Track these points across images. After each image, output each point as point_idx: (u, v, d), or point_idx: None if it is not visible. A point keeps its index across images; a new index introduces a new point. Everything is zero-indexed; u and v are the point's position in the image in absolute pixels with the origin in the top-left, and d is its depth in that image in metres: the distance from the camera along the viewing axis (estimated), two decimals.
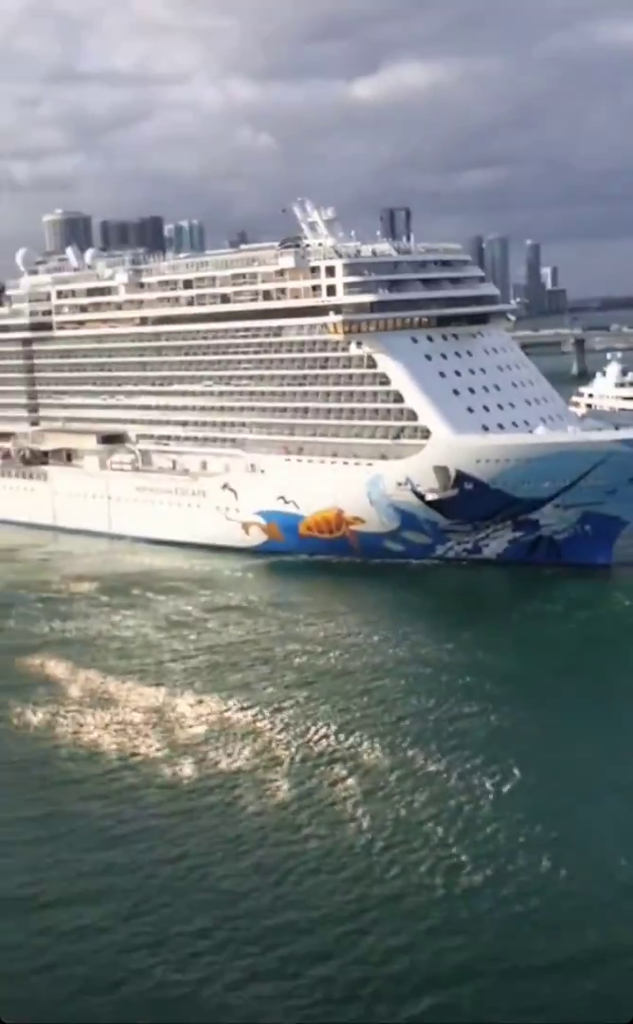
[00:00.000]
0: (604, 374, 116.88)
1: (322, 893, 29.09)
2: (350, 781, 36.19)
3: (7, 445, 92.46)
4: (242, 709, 43.72)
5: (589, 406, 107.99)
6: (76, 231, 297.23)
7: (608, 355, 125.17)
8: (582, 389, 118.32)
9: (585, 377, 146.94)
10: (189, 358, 79.70)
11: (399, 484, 65.03)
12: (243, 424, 75.20)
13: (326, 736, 40.34)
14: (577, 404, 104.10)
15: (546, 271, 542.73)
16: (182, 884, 30.05)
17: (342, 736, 40.18)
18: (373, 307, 69.00)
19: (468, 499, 63.22)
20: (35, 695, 47.08)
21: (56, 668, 50.97)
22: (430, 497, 64.02)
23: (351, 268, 70.63)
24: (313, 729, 41.07)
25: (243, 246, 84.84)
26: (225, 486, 74.80)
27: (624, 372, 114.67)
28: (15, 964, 26.21)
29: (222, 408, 76.89)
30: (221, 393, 77.03)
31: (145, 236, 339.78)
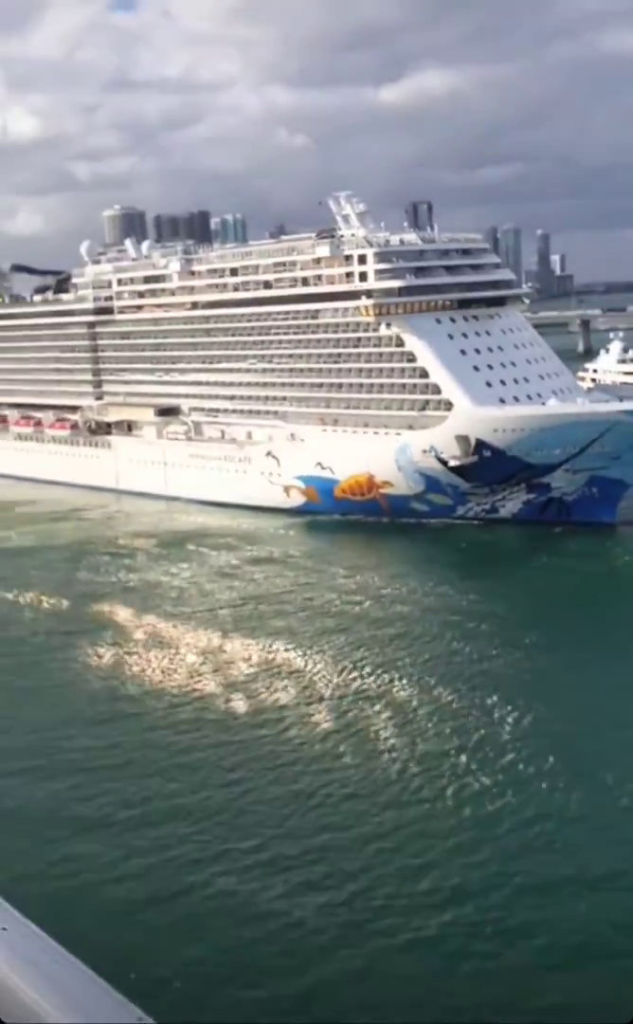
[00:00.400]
0: (607, 352, 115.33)
1: (359, 815, 29.11)
2: (383, 715, 36.17)
3: (75, 417, 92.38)
4: (286, 651, 43.76)
5: (594, 380, 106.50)
6: (132, 225, 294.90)
7: (611, 334, 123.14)
8: (587, 365, 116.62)
9: (590, 354, 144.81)
10: (235, 339, 79.08)
11: (424, 451, 64.55)
12: (284, 398, 74.65)
13: (361, 675, 40.34)
14: (583, 379, 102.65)
15: (555, 258, 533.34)
16: (235, 807, 30.09)
17: (376, 675, 40.17)
18: (401, 291, 68.13)
19: (486, 465, 62.72)
20: (103, 637, 47.27)
21: (121, 613, 51.15)
22: (452, 463, 63.54)
23: (381, 256, 69.65)
24: (350, 669, 41.08)
25: (283, 237, 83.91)
26: (268, 453, 74.49)
27: (625, 350, 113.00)
28: (90, 876, 26.40)
29: (265, 384, 76.38)
30: (264, 370, 76.44)
31: (194, 229, 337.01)
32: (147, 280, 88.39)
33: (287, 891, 25.18)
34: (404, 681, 39.32)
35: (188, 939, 23.36)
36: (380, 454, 66.76)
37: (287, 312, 74.76)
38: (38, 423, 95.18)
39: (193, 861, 26.94)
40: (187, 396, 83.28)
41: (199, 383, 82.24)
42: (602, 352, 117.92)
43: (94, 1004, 1.32)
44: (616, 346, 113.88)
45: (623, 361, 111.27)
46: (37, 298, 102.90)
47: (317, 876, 25.85)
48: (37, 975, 1.42)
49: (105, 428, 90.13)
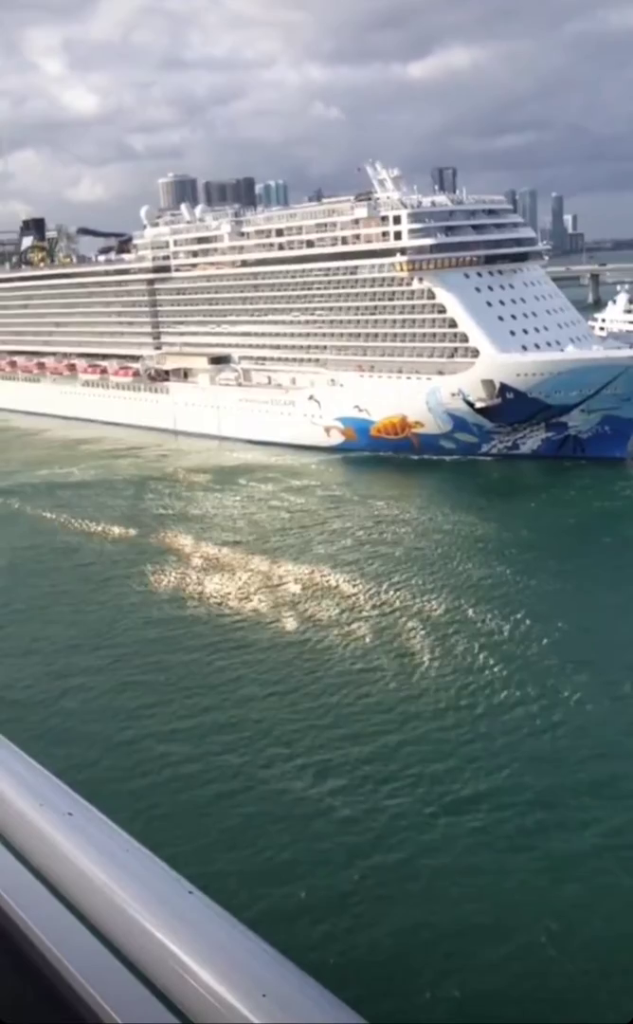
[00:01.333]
0: (615, 302, 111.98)
1: (395, 724, 28.61)
2: (418, 632, 35.72)
3: (136, 366, 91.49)
4: (329, 573, 43.30)
5: (602, 329, 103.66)
6: (184, 191, 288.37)
7: (618, 287, 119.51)
8: (596, 315, 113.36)
9: (599, 305, 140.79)
10: (280, 293, 77.42)
11: (453, 394, 63.26)
12: (324, 347, 73.28)
13: (396, 595, 39.89)
14: (592, 328, 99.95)
15: (568, 218, 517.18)
16: (283, 716, 29.55)
17: (410, 595, 39.72)
18: (432, 249, 66.17)
19: (509, 406, 61.44)
20: (164, 561, 46.77)
21: (180, 540, 50.71)
22: (478, 405, 62.29)
23: (414, 217, 67.61)
24: (385, 589, 40.60)
25: (324, 200, 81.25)
26: (311, 397, 73.43)
27: (631, 301, 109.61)
28: (156, 777, 26.12)
29: (307, 334, 74.93)
30: (307, 322, 74.89)
31: (240, 194, 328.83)
32: (200, 240, 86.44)
33: (334, 792, 24.84)
34: (434, 600, 38.87)
35: (244, 835, 23.01)
36: (412, 397, 65.52)
37: (328, 268, 72.93)
38: (103, 371, 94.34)
39: (249, 765, 26.63)
40: (237, 346, 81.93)
41: (248, 334, 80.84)
42: (610, 303, 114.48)
43: (156, 882, 1.32)
44: (623, 297, 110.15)
45: (629, 311, 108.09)
46: (101, 258, 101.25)
47: (360, 779, 25.49)
48: (104, 857, 1.37)
49: (163, 375, 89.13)
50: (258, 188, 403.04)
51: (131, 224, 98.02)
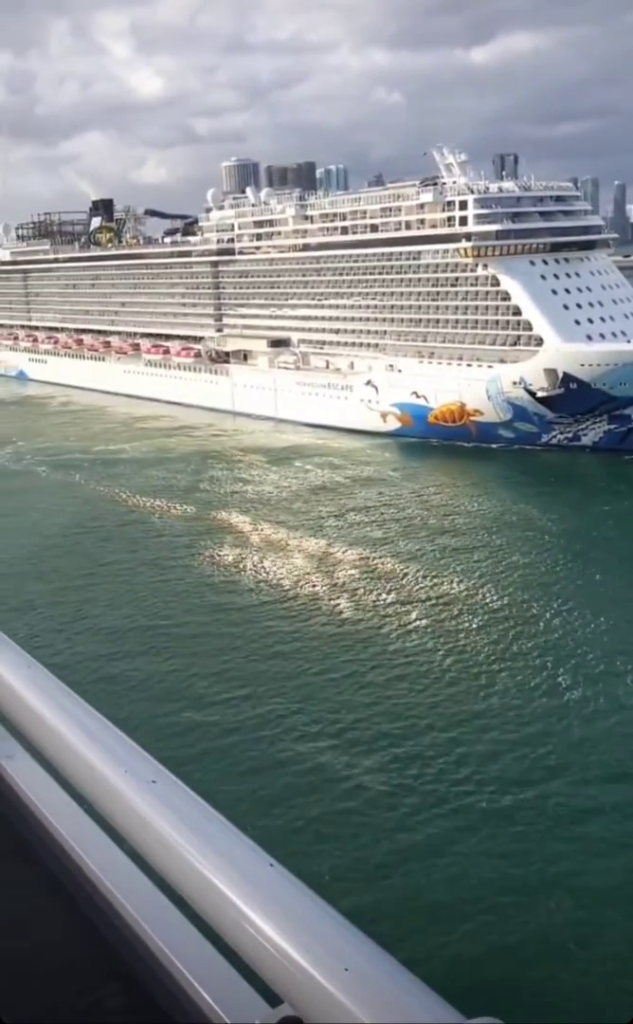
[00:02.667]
0: None
1: (448, 700, 28.60)
2: (471, 616, 35.46)
3: (198, 347, 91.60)
4: (384, 557, 43.06)
5: None
6: (246, 174, 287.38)
7: None
8: None
9: None
10: (342, 277, 76.73)
11: (514, 383, 62.12)
12: (384, 332, 72.50)
13: (451, 581, 39.51)
14: None
15: (631, 207, 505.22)
16: (331, 690, 29.53)
17: (463, 582, 39.32)
18: (498, 235, 64.88)
19: (572, 396, 60.09)
20: (221, 539, 46.96)
21: (236, 519, 50.76)
22: (540, 394, 61.06)
23: (481, 202, 66.28)
24: (438, 574, 40.27)
25: (389, 184, 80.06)
26: (368, 382, 72.78)
27: None
28: (206, 744, 26.23)
29: (368, 319, 74.19)
30: (367, 306, 74.21)
31: (301, 178, 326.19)
32: (265, 224, 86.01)
33: (377, 766, 24.77)
34: (489, 588, 38.42)
35: (289, 804, 23.10)
36: (472, 385, 64.52)
37: (391, 253, 72.03)
38: (166, 351, 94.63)
39: (295, 736, 26.66)
40: (297, 329, 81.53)
41: (308, 318, 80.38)
42: None
43: (237, 852, 1.32)
44: None
45: None
46: (167, 240, 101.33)
47: (404, 754, 25.40)
48: (187, 826, 1.38)
49: (223, 357, 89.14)
50: (319, 172, 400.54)
51: (193, 206, 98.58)
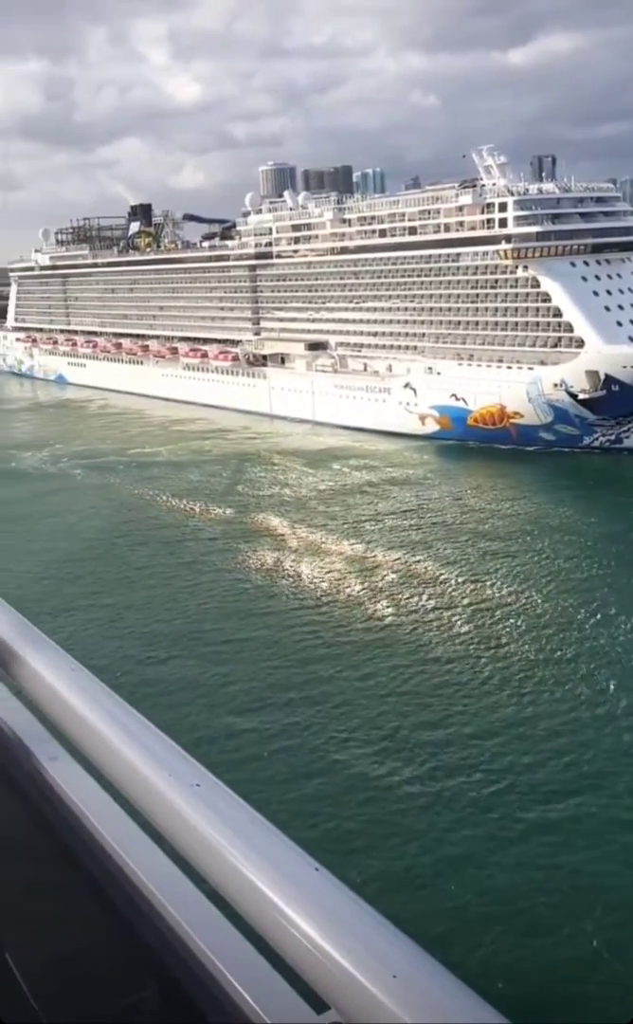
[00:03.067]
0: None
1: (489, 708, 28.20)
2: (512, 622, 34.95)
3: (236, 350, 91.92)
4: (423, 560, 42.68)
5: None
6: (283, 178, 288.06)
7: None
8: None
9: None
10: (380, 280, 76.63)
11: (555, 385, 61.46)
12: (423, 335, 72.22)
13: (492, 586, 39.06)
14: None
15: None
16: (370, 696, 29.22)
17: (505, 586, 38.83)
18: (538, 236, 64.42)
19: (614, 398, 59.32)
20: (259, 542, 46.74)
21: (275, 522, 50.61)
22: (581, 396, 60.36)
23: (521, 204, 65.83)
24: (481, 579, 39.80)
25: (427, 187, 79.80)
26: (407, 385, 72.44)
27: None
28: (251, 749, 26.03)
29: (406, 321, 73.98)
30: (406, 309, 73.98)
31: (338, 182, 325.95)
32: (302, 227, 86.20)
33: (418, 775, 24.43)
34: (529, 592, 37.90)
35: (328, 811, 22.82)
36: (513, 387, 63.96)
37: (429, 256, 71.79)
38: (204, 355, 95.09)
39: (335, 741, 26.40)
40: (334, 332, 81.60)
41: (346, 320, 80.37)
42: None
43: (281, 856, 1.31)
44: None
45: None
46: (205, 244, 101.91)
47: (446, 762, 25.03)
48: (231, 830, 1.38)
49: (261, 360, 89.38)
50: (356, 176, 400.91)
51: (230, 211, 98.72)
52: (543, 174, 78.28)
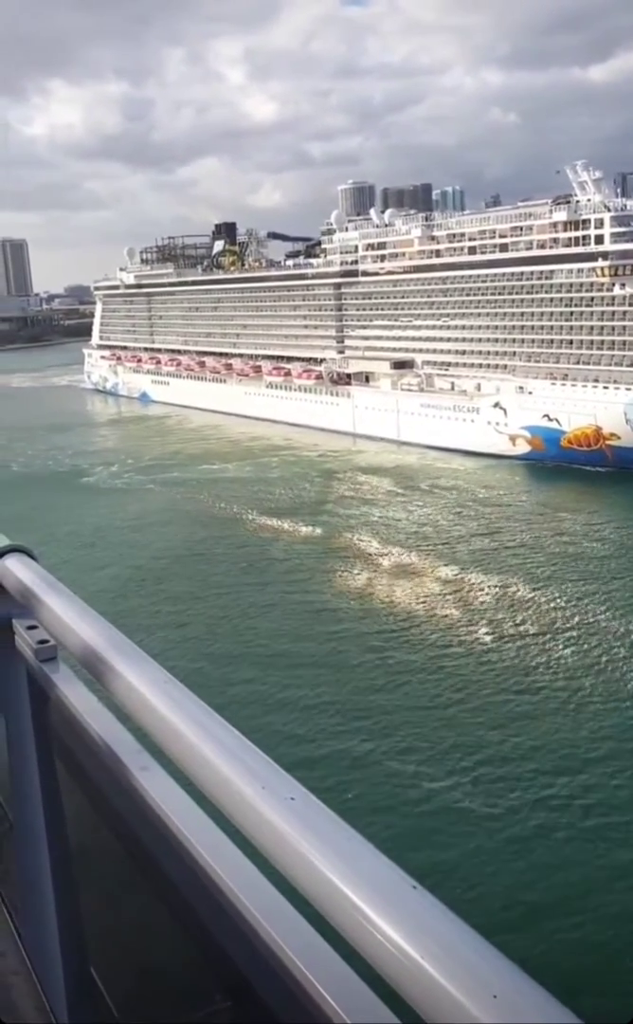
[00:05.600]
0: None
1: (562, 733, 27.79)
2: (617, 650, 34.19)
3: (320, 368, 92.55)
4: (520, 585, 42.13)
5: None
6: (362, 197, 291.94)
7: None
8: None
9: None
10: (469, 298, 76.40)
11: None
12: (514, 353, 71.63)
13: (593, 612, 38.29)
14: None
15: None
16: (439, 717, 29.25)
17: (606, 613, 38.03)
18: None
19: None
20: (349, 562, 46.87)
21: (365, 542, 50.69)
22: None
23: (618, 220, 65.01)
24: (581, 605, 39.07)
25: (519, 203, 79.43)
26: (496, 405, 71.84)
27: None
28: (310, 751, 26.37)
29: (495, 340, 73.53)
30: (496, 327, 73.53)
31: (417, 199, 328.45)
32: (389, 244, 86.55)
33: (516, 807, 24.14)
34: (624, 618, 37.01)
35: (379, 815, 23.25)
36: (609, 408, 62.93)
37: (522, 273, 71.33)
38: (287, 373, 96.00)
39: (395, 751, 26.68)
40: (421, 351, 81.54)
41: (432, 339, 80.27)
42: None
43: (378, 873, 1.33)
44: None
45: None
46: (289, 262, 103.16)
47: (546, 794, 24.74)
48: (327, 846, 1.40)
49: (345, 379, 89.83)
50: (435, 193, 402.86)
51: (308, 229, 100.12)
52: (627, 191, 77.25)
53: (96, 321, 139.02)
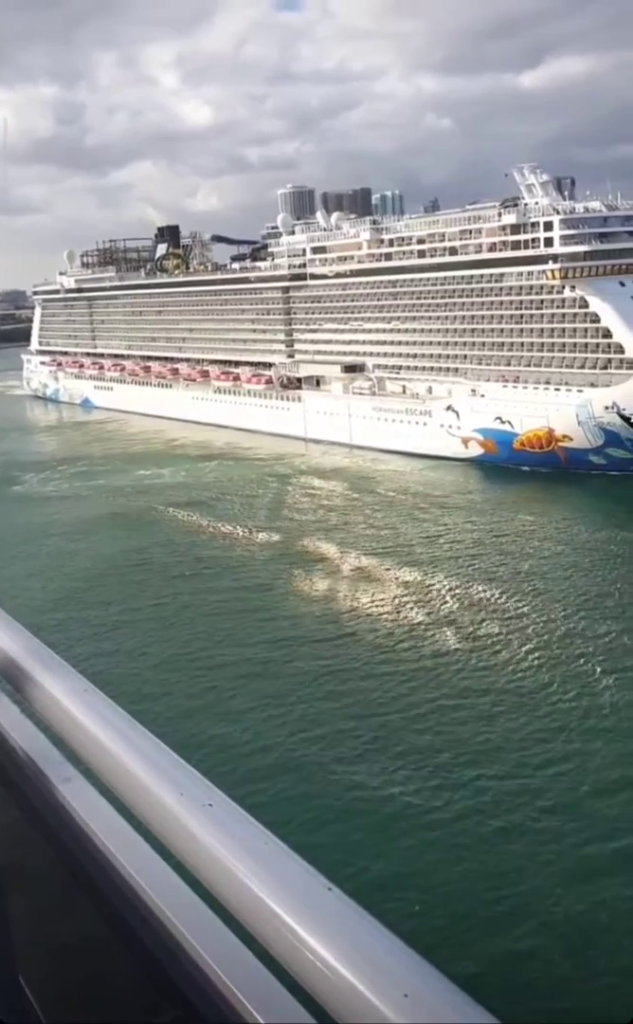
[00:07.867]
0: None
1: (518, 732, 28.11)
2: (576, 648, 34.82)
3: (269, 373, 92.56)
4: (480, 588, 42.48)
5: None
6: (302, 201, 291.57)
7: None
8: None
9: None
10: (420, 301, 77.22)
11: (606, 408, 61.52)
12: (465, 356, 72.56)
13: (552, 615, 38.72)
14: None
15: None
16: (399, 719, 29.33)
17: (564, 615, 38.55)
18: (587, 256, 64.86)
19: None
20: (313, 569, 46.81)
21: (323, 547, 50.61)
22: None
23: (567, 223, 66.39)
24: (538, 607, 39.60)
25: (468, 206, 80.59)
26: (448, 407, 72.64)
27: None
28: (301, 755, 26.22)
29: (446, 343, 74.40)
30: (447, 330, 74.42)
31: (356, 204, 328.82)
32: (338, 248, 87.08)
33: (475, 808, 24.33)
34: (588, 622, 37.65)
35: (339, 821, 23.39)
36: (561, 410, 64.09)
37: (472, 276, 72.35)
38: (236, 378, 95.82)
39: (344, 759, 26.65)
40: (372, 354, 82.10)
41: (383, 342, 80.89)
42: None
43: (294, 876, 1.38)
44: None
45: None
46: (235, 266, 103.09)
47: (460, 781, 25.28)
48: (244, 850, 1.44)
49: (295, 383, 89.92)
50: (374, 198, 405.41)
51: (249, 232, 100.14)
52: (565, 195, 78.80)
53: (35, 326, 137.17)
